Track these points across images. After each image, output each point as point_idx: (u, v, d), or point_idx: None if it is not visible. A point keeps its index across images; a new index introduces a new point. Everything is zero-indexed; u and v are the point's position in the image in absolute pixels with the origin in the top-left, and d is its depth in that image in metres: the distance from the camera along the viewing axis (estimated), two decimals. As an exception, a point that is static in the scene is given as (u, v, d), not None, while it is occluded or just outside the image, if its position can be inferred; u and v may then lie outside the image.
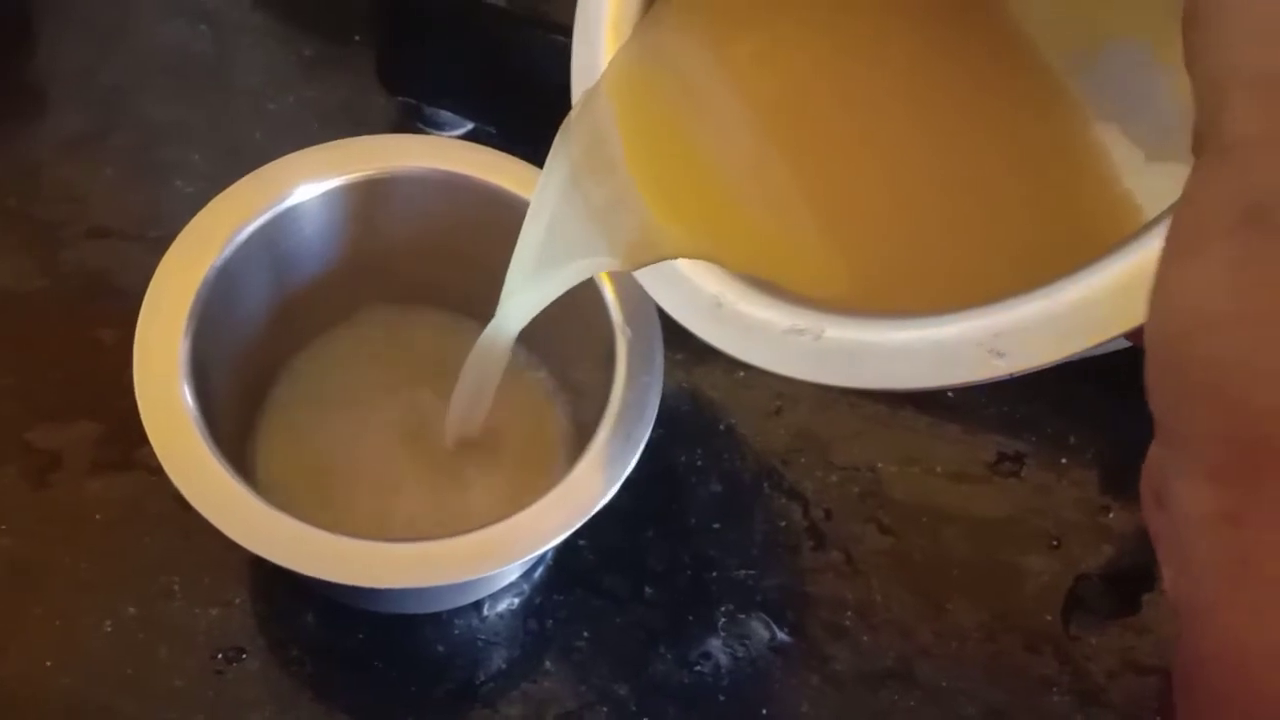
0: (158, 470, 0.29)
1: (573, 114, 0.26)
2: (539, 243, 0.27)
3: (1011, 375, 0.21)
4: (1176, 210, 0.16)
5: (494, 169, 0.33)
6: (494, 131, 0.42)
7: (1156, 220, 0.21)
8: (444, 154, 0.33)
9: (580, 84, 0.27)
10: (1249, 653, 0.15)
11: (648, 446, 0.30)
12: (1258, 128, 0.15)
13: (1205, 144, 0.16)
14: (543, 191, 0.27)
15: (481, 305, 0.36)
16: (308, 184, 0.32)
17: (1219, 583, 0.15)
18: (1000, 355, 0.21)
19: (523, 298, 0.28)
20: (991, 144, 0.24)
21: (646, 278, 0.26)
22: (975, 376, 0.21)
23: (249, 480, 0.28)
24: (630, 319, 0.31)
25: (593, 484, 0.28)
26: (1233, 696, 0.15)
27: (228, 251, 0.31)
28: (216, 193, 0.33)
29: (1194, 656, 0.16)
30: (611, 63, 0.26)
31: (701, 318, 0.25)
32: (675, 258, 0.25)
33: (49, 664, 0.33)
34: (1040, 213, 0.24)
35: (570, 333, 0.32)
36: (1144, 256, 0.20)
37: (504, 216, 0.33)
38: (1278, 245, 0.15)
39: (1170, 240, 0.16)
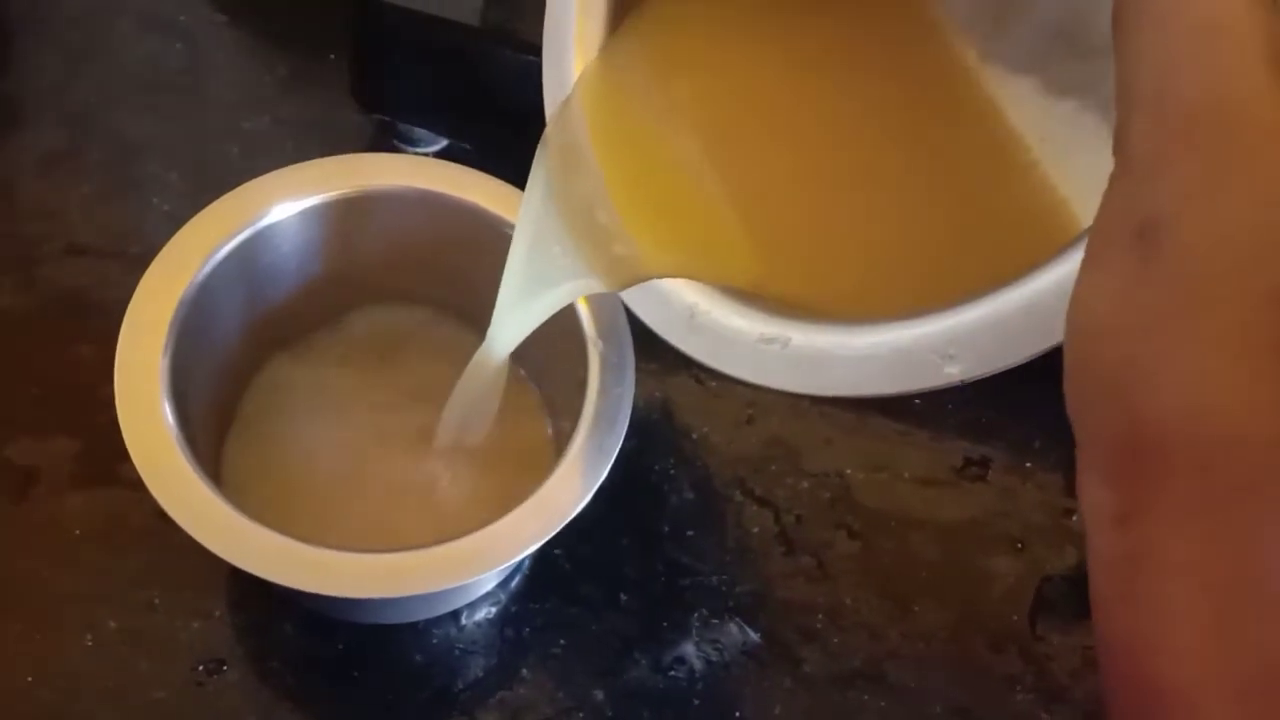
0: (137, 484, 0.29)
1: (547, 134, 0.27)
2: (524, 268, 0.28)
3: (964, 381, 0.22)
4: (1094, 221, 0.17)
5: (468, 186, 0.34)
6: (469, 148, 0.43)
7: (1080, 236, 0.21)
8: (419, 172, 0.34)
9: (552, 105, 0.28)
10: (1138, 644, 0.16)
11: (621, 456, 0.31)
12: (1152, 145, 0.16)
13: (1116, 153, 0.17)
14: (524, 217, 0.27)
15: (460, 307, 0.37)
16: (285, 203, 0.33)
17: (1113, 578, 0.16)
18: (954, 361, 0.22)
19: (513, 320, 0.29)
20: (931, 153, 0.25)
21: (631, 296, 0.27)
22: (931, 384, 0.22)
23: (221, 488, 0.28)
24: (602, 333, 0.32)
25: (566, 494, 0.29)
26: (1127, 682, 0.16)
27: (206, 270, 0.31)
28: (193, 210, 0.34)
29: (1100, 644, 0.17)
30: (580, 85, 0.26)
31: (676, 327, 0.25)
32: (658, 278, 0.26)
33: (30, 679, 0.33)
34: (988, 216, 0.25)
35: (545, 343, 0.33)
36: (1066, 270, 0.21)
37: (481, 233, 0.33)
38: (1165, 260, 0.16)
39: (1086, 249, 0.17)
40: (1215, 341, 0.15)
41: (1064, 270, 0.21)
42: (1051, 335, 0.21)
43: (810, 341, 0.23)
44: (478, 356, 0.31)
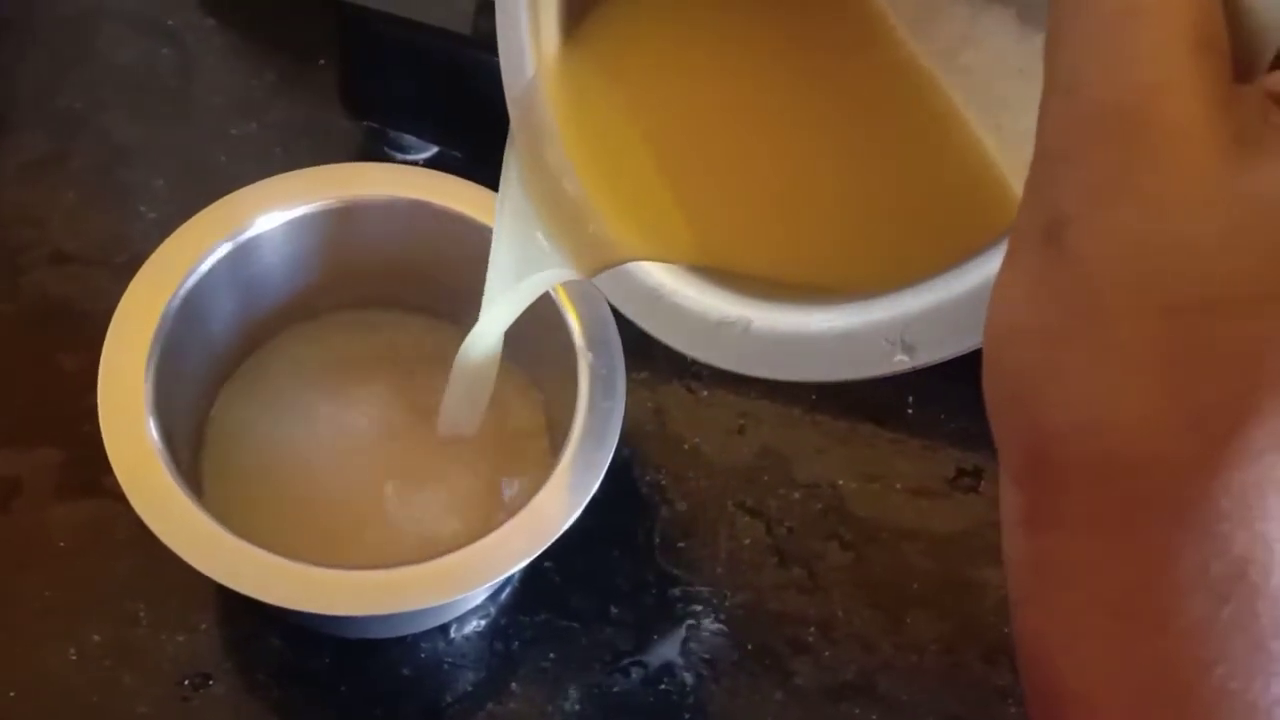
0: (122, 495, 0.29)
1: (513, 130, 0.27)
2: (504, 256, 0.28)
3: (915, 368, 0.21)
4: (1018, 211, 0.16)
5: (456, 195, 0.33)
6: (459, 155, 0.43)
7: None
8: (404, 182, 0.33)
9: (511, 90, 0.27)
10: (1045, 647, 0.16)
11: (612, 466, 0.30)
12: (1061, 138, 0.15)
13: (1035, 142, 0.16)
14: (501, 206, 0.27)
15: (449, 314, 0.37)
16: (270, 213, 0.32)
17: (1022, 581, 0.16)
18: (910, 348, 0.21)
19: (498, 306, 0.29)
20: (874, 132, 0.25)
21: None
22: (885, 369, 0.22)
23: (201, 496, 0.28)
24: (592, 344, 0.31)
25: (556, 509, 0.29)
26: (1038, 684, 0.16)
27: (191, 282, 0.31)
28: (180, 217, 0.34)
29: (1016, 642, 0.17)
30: (544, 83, 0.26)
31: (640, 307, 0.25)
32: (626, 260, 0.26)
33: (12, 694, 0.33)
34: (931, 194, 0.25)
35: (539, 339, 0.33)
36: None
37: (468, 241, 0.33)
38: (1066, 264, 0.15)
39: (1009, 242, 0.16)
40: (1110, 356, 0.15)
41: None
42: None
43: (770, 325, 0.23)
44: (469, 339, 0.31)
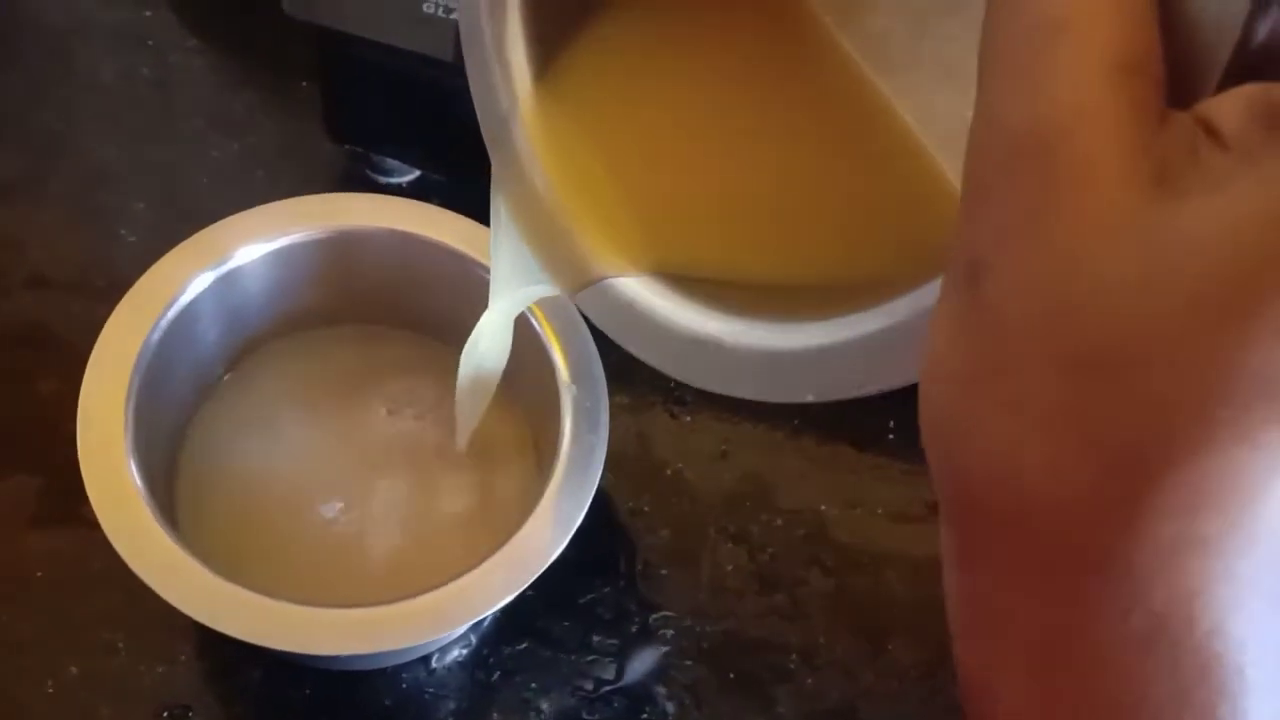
0: (100, 525, 0.29)
1: (494, 169, 0.27)
2: (501, 270, 0.29)
3: (881, 391, 0.21)
4: None
5: (435, 224, 0.33)
6: (441, 179, 0.43)
7: None
8: (387, 212, 0.33)
9: (489, 132, 0.28)
10: (978, 679, 0.16)
11: (597, 494, 0.30)
12: (979, 173, 0.15)
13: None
14: (494, 232, 0.28)
15: (432, 327, 0.36)
16: (252, 244, 0.32)
17: (956, 614, 0.16)
18: (873, 375, 0.21)
19: (496, 312, 0.30)
20: (828, 147, 0.25)
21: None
22: (855, 392, 0.22)
23: (172, 510, 0.28)
24: (577, 377, 0.31)
25: (539, 543, 0.29)
26: (972, 712, 0.16)
27: (171, 314, 0.31)
28: (160, 240, 0.33)
29: (956, 670, 0.16)
30: (520, 118, 0.27)
31: (620, 326, 0.25)
32: (605, 278, 0.26)
33: (-12, 726, 0.33)
34: (879, 205, 0.24)
35: (524, 372, 0.33)
36: None
37: (448, 267, 0.33)
38: (981, 308, 0.14)
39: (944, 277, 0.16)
40: (1021, 405, 0.14)
41: None
42: None
43: (744, 344, 0.24)
44: (473, 334, 0.31)
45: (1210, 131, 0.13)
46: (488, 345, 0.31)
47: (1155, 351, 0.13)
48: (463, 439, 0.34)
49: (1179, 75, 0.14)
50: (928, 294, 0.20)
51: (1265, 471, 0.13)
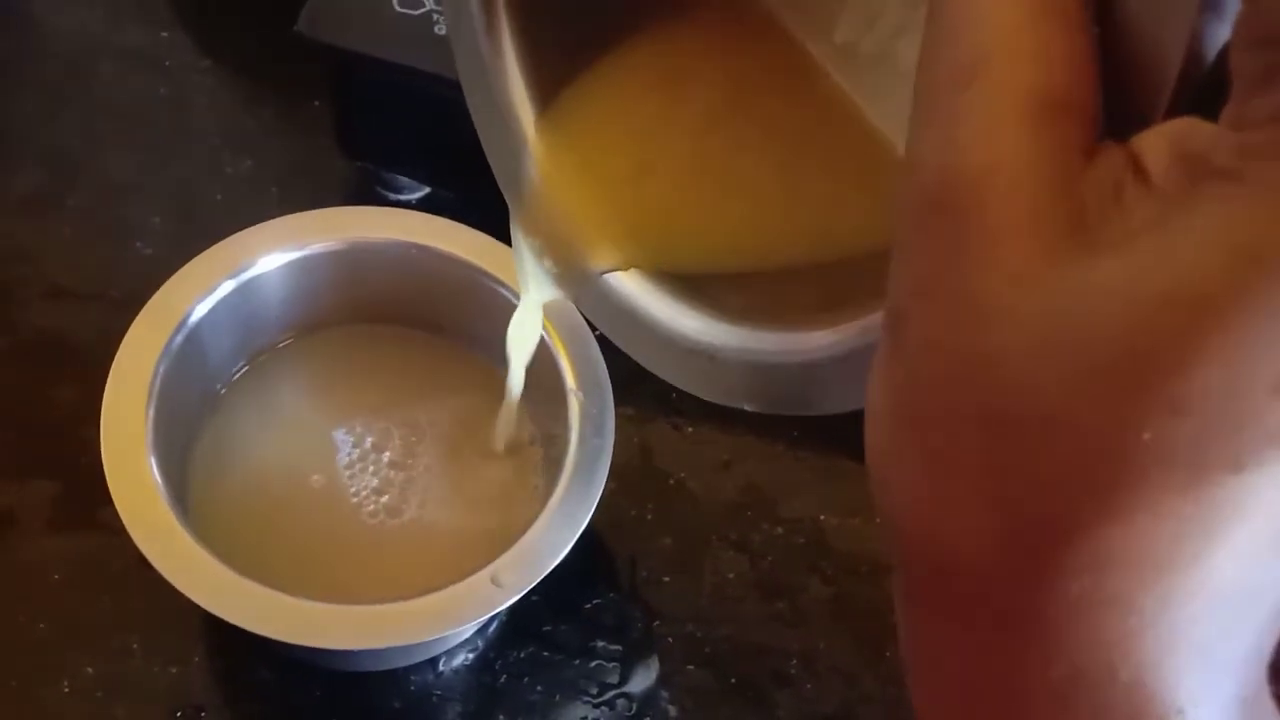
0: (116, 528, 0.29)
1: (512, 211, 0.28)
2: (525, 277, 0.30)
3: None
4: None
5: (447, 237, 0.34)
6: (451, 195, 0.44)
7: None
8: (401, 225, 0.34)
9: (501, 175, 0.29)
10: (922, 708, 0.16)
11: (600, 501, 0.31)
12: (900, 224, 0.14)
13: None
14: (516, 248, 0.29)
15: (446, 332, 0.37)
16: (270, 255, 0.33)
17: (907, 654, 0.16)
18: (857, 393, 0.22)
19: (525, 308, 0.31)
20: (803, 149, 0.26)
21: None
22: (842, 408, 0.22)
23: (184, 505, 0.28)
24: (582, 383, 0.32)
25: (546, 545, 0.29)
26: None
27: (192, 321, 0.32)
28: (176, 253, 0.34)
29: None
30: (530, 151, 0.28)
31: (623, 333, 0.26)
32: (605, 271, 0.27)
33: (5, 725, 0.33)
34: (846, 201, 0.25)
35: (532, 377, 0.33)
36: None
37: (461, 279, 0.34)
38: (900, 360, 0.14)
39: None
40: (931, 462, 0.14)
41: None
42: None
43: (737, 356, 0.24)
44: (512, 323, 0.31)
45: (1138, 170, 0.13)
46: (518, 333, 0.32)
47: (1058, 415, 0.13)
48: (500, 441, 0.35)
49: (1127, 100, 0.13)
50: None
51: (1170, 538, 0.13)
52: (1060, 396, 0.13)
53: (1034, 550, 0.13)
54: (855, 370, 0.21)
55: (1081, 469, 0.13)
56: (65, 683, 0.34)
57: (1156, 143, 0.13)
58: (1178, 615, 0.13)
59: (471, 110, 0.29)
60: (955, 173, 0.13)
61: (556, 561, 0.29)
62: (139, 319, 0.31)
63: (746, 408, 0.24)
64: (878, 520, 0.16)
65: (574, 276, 0.28)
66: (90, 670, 0.34)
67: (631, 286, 0.27)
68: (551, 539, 0.29)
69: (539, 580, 0.29)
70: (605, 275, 0.27)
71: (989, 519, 0.14)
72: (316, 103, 0.46)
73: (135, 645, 0.35)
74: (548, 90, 0.28)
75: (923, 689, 0.16)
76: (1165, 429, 0.12)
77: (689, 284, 0.26)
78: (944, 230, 0.13)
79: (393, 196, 0.43)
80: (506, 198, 0.29)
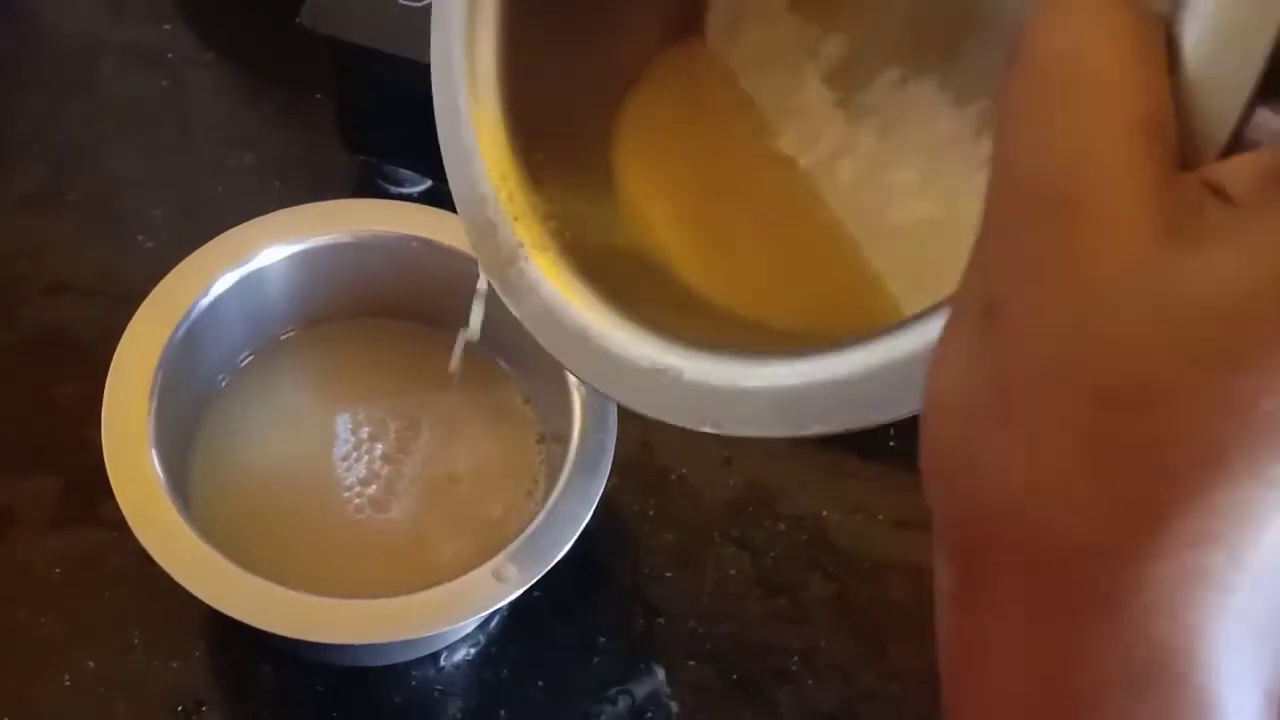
0: (117, 524, 0.29)
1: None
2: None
3: (833, 433, 0.22)
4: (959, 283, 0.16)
5: (447, 230, 0.34)
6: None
7: None
8: (402, 217, 0.34)
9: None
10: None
11: (603, 497, 0.31)
12: (1000, 214, 0.15)
13: (982, 214, 0.16)
14: None
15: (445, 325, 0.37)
16: (273, 247, 0.33)
17: (950, 661, 0.16)
18: (827, 415, 0.21)
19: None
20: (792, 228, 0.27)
21: (525, 313, 0.27)
22: (814, 431, 0.22)
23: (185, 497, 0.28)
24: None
25: (548, 541, 0.29)
26: None
27: (195, 314, 0.31)
28: (178, 248, 0.34)
29: (944, 713, 0.17)
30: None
31: (570, 350, 0.25)
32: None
33: (6, 720, 0.33)
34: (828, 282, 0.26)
35: (536, 373, 0.33)
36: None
37: (459, 270, 0.34)
38: (1000, 345, 0.15)
39: (948, 315, 0.16)
40: (1038, 441, 0.14)
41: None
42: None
43: (704, 377, 0.24)
44: None
45: (1217, 192, 0.14)
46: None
47: (1169, 390, 0.14)
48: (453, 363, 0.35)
49: (1185, 141, 0.15)
50: (884, 343, 0.21)
51: (1268, 505, 0.13)
52: (1179, 370, 0.14)
53: (1142, 523, 0.14)
54: (843, 390, 0.21)
55: (1193, 439, 0.14)
56: (66, 678, 0.34)
57: (1237, 168, 0.15)
58: (1250, 593, 0.14)
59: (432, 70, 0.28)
60: (1066, 173, 0.14)
61: (559, 557, 0.29)
62: (139, 313, 0.31)
63: (708, 430, 0.24)
64: (933, 518, 0.16)
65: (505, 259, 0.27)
66: (91, 665, 0.34)
67: (584, 310, 0.26)
68: (554, 534, 0.29)
69: (541, 575, 0.29)
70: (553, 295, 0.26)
71: (1097, 494, 0.14)
72: (318, 96, 0.46)
73: (136, 640, 0.35)
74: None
75: (970, 692, 0.16)
76: (1274, 398, 0.13)
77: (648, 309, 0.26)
78: (1054, 224, 0.14)
79: (394, 190, 0.43)
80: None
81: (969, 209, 0.27)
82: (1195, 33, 0.15)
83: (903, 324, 0.21)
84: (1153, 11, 0.15)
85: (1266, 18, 0.14)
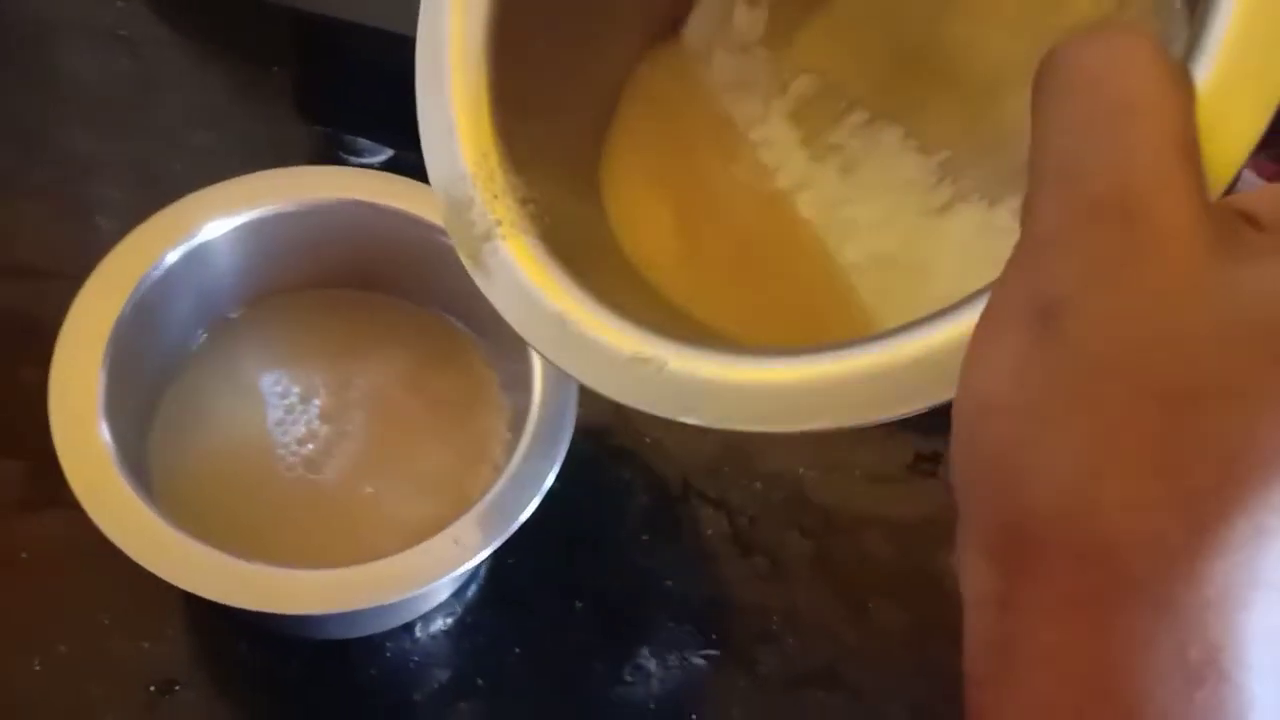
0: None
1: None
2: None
3: (834, 429, 0.22)
4: (993, 289, 0.17)
5: (400, 195, 0.34)
6: (414, 158, 0.43)
7: (980, 291, 0.21)
8: (348, 183, 0.34)
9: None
10: None
11: (575, 461, 0.31)
12: (1057, 223, 0.16)
13: (1022, 224, 0.16)
14: None
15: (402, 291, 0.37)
16: (221, 218, 0.32)
17: (986, 662, 0.16)
18: (823, 413, 0.22)
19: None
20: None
21: (495, 292, 0.26)
22: (801, 427, 0.22)
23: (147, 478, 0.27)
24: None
25: (512, 503, 0.29)
26: None
27: (144, 288, 0.31)
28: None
29: (968, 715, 0.16)
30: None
31: (545, 337, 0.25)
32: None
33: (-22, 706, 0.33)
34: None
35: (499, 331, 0.33)
36: (963, 326, 0.20)
37: (415, 236, 0.34)
38: (1059, 345, 0.15)
39: (982, 317, 0.17)
40: (1099, 436, 0.15)
41: (952, 327, 0.21)
42: (924, 395, 0.21)
43: (689, 369, 0.23)
44: None
45: (1248, 218, 0.16)
46: None
47: (1231, 390, 0.14)
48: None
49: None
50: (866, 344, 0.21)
51: None
52: (1236, 372, 0.14)
53: (1204, 519, 0.14)
54: (835, 389, 0.21)
55: (1253, 440, 0.14)
56: (37, 662, 0.34)
57: (1266, 197, 0.16)
58: None
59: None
60: (1130, 182, 0.16)
61: (520, 521, 0.29)
62: (88, 285, 0.31)
63: (691, 421, 0.24)
64: (972, 524, 0.16)
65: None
66: (63, 648, 0.34)
67: (560, 295, 0.26)
68: (515, 497, 0.29)
69: (503, 541, 0.28)
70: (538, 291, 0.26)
71: (1159, 491, 0.14)
72: (276, 70, 0.46)
73: (107, 621, 0.34)
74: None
75: (1009, 696, 0.16)
76: None
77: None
78: (1115, 231, 0.15)
79: (354, 160, 0.43)
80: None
81: (924, 249, 0.27)
82: (1203, 75, 0.17)
83: (898, 330, 0.21)
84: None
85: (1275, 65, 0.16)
